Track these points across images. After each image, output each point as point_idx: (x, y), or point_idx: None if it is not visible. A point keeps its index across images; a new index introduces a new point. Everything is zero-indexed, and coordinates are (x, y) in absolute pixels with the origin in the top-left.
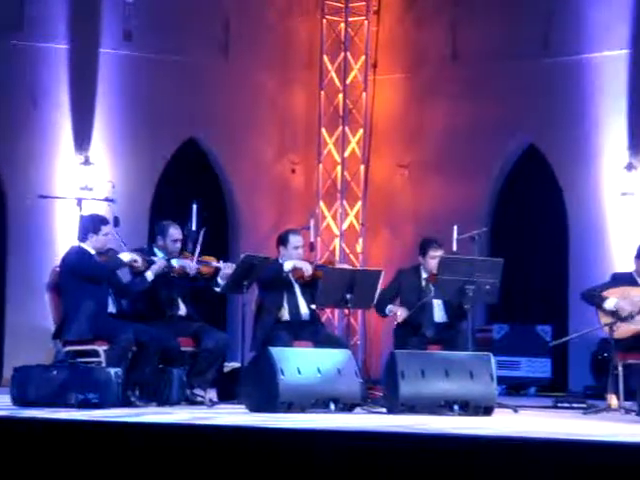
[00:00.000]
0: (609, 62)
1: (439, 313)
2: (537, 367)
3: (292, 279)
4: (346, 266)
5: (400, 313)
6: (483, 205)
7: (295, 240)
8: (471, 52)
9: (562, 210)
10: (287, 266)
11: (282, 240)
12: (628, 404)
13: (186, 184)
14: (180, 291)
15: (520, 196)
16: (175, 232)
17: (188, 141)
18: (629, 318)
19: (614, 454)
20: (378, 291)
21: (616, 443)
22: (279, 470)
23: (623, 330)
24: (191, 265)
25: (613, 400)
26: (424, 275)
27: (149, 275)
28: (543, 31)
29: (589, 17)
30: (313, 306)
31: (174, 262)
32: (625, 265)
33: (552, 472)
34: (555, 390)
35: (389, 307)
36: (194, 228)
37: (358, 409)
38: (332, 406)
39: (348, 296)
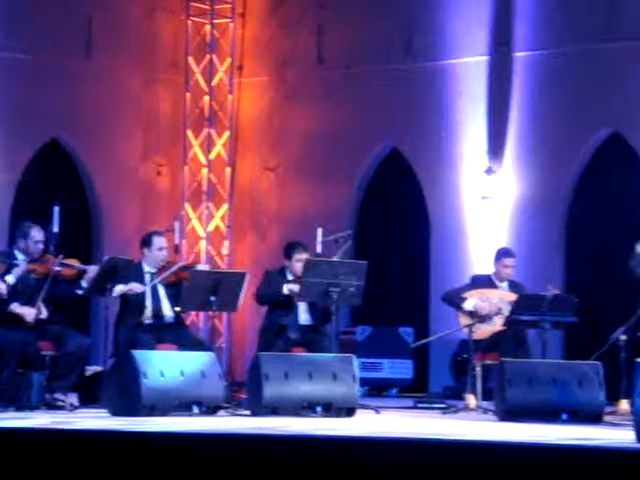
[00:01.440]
0: (469, 68)
1: (304, 315)
2: (399, 368)
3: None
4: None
5: (296, 289)
6: (347, 208)
7: (159, 242)
8: (337, 56)
9: (424, 213)
10: (117, 290)
11: (146, 242)
12: (486, 404)
13: (48, 185)
14: (41, 294)
15: (384, 199)
16: (37, 234)
17: (50, 142)
18: (487, 319)
19: (471, 452)
20: (242, 293)
21: (473, 442)
22: (140, 474)
23: (482, 331)
24: (31, 314)
25: (471, 400)
26: (290, 278)
27: (10, 279)
28: (406, 37)
29: (449, 24)
30: (177, 308)
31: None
32: (485, 267)
33: (411, 471)
34: (416, 391)
35: (285, 286)
36: (56, 230)
37: (222, 412)
38: (195, 409)
39: (212, 298)
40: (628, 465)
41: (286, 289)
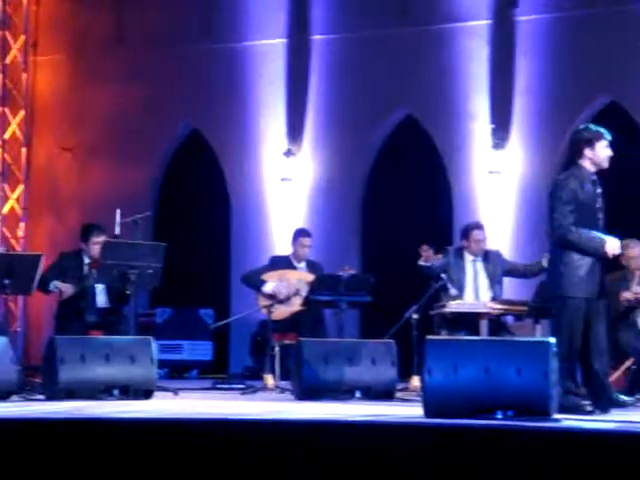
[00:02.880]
0: (269, 50)
1: (101, 298)
2: (199, 350)
3: None
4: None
5: (65, 290)
6: (147, 189)
7: None
8: (136, 36)
9: (225, 194)
10: None
11: None
12: (284, 383)
13: None
14: None
15: (184, 180)
16: None
17: None
18: (286, 300)
19: (266, 431)
20: (38, 276)
21: (267, 421)
22: None
23: (280, 312)
24: None
25: (269, 380)
26: (86, 260)
27: None
28: (206, 17)
29: (249, 5)
30: None
31: None
32: (285, 248)
33: (209, 451)
34: (217, 372)
35: (54, 283)
36: None
37: (15, 397)
38: None
39: (7, 281)
40: (416, 440)
41: (52, 286)
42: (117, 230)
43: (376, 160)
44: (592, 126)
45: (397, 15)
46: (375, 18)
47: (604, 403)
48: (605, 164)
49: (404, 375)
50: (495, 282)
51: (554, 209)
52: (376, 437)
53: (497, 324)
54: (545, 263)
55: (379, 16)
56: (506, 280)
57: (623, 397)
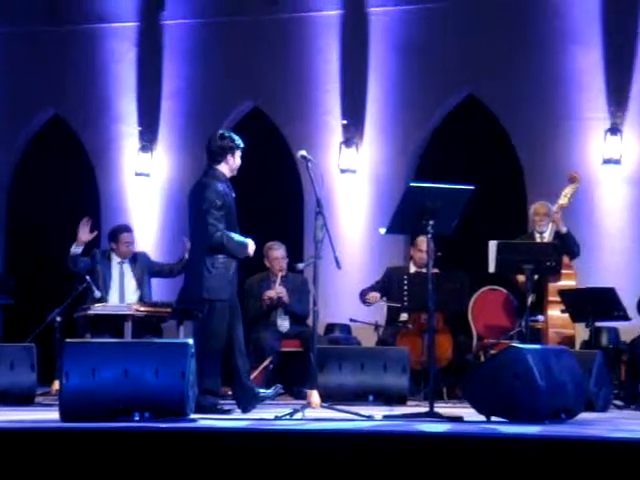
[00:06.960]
0: None
1: None
2: None
3: None
4: None
5: None
6: None
7: None
8: None
9: None
10: None
11: None
12: None
13: None
14: None
15: None
16: None
17: None
18: None
19: None
20: None
21: None
22: None
23: None
24: None
25: None
26: None
27: None
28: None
29: None
30: None
31: None
32: None
33: None
34: None
35: None
36: None
37: None
38: None
39: None
40: (51, 444)
41: None
42: None
43: (22, 159)
44: (233, 134)
45: (44, 14)
46: (21, 15)
47: (246, 402)
48: (236, 172)
49: (48, 379)
50: (143, 283)
51: (208, 213)
52: (8, 443)
53: (144, 325)
54: (187, 256)
55: (26, 13)
56: (155, 281)
57: (263, 391)
